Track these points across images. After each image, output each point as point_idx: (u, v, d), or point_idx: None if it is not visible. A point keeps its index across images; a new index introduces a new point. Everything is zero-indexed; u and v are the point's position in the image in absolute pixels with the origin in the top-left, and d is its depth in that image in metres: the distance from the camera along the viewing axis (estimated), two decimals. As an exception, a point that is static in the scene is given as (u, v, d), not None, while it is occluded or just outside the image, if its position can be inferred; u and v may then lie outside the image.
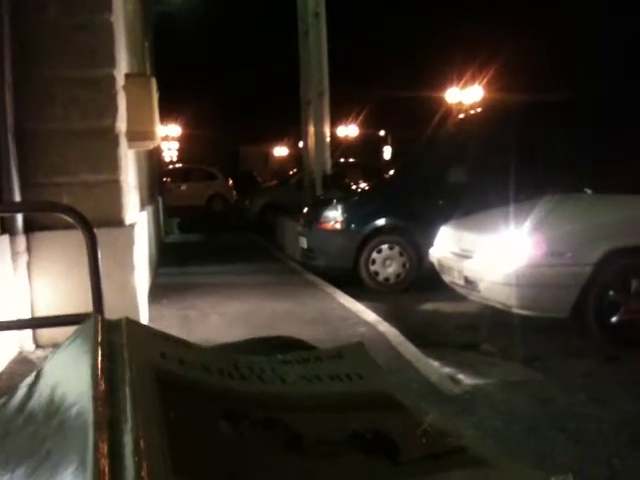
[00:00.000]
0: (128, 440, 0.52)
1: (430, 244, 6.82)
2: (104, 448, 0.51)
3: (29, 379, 0.67)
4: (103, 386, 0.57)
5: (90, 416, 0.54)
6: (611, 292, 5.21)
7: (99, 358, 0.61)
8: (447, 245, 6.37)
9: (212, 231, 17.05)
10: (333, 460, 0.59)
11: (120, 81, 5.09)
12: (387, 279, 8.20)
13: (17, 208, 4.03)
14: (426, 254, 7.12)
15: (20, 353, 4.64)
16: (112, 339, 0.64)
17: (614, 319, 5.20)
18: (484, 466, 0.60)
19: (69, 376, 0.62)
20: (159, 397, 0.58)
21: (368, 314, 6.12)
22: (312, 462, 0.58)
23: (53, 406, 0.60)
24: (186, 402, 0.60)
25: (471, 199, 7.05)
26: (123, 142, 5.12)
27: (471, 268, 5.74)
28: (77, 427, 0.55)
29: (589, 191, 6.21)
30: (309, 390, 0.70)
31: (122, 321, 0.67)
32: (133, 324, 0.68)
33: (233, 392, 0.65)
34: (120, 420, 0.54)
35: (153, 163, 12.41)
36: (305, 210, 9.77)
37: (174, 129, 34.92)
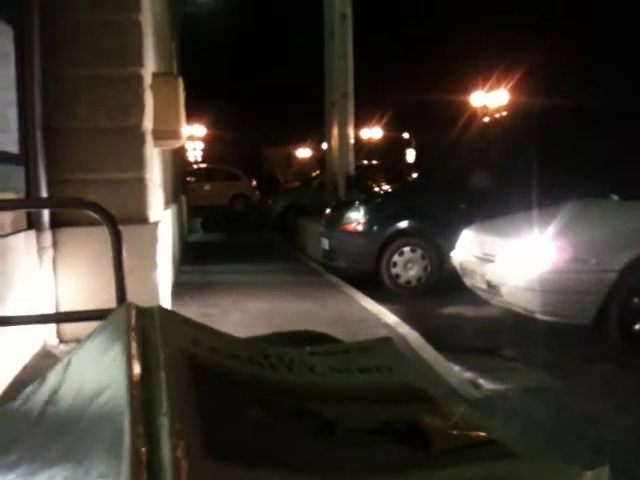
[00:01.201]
0: (164, 422, 0.53)
1: (452, 247, 6.80)
2: (140, 429, 0.52)
3: (62, 363, 0.69)
4: (138, 369, 0.58)
5: (125, 398, 0.55)
6: (635, 299, 5.16)
7: (133, 342, 0.62)
8: (469, 249, 6.34)
9: (234, 231, 17.12)
10: (364, 449, 0.59)
11: (147, 80, 5.13)
12: (408, 282, 8.18)
13: (44, 204, 4.06)
14: (448, 257, 7.09)
15: (43, 347, 4.69)
16: (145, 325, 0.65)
17: (637, 327, 5.14)
18: (516, 459, 0.60)
19: (103, 359, 0.63)
20: (192, 381, 0.59)
21: (388, 316, 6.11)
22: (344, 450, 0.59)
23: (87, 389, 0.61)
24: (217, 388, 0.61)
25: (494, 203, 7.02)
26: (149, 141, 5.16)
27: (494, 272, 5.71)
28: (111, 409, 0.56)
29: (615, 197, 6.15)
30: (338, 381, 0.71)
31: (154, 308, 0.69)
32: (165, 312, 0.69)
33: (263, 380, 0.66)
34: (155, 402, 0.55)
35: (178, 162, 12.50)
36: (327, 211, 9.78)
37: (199, 129, 35.09)
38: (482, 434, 0.64)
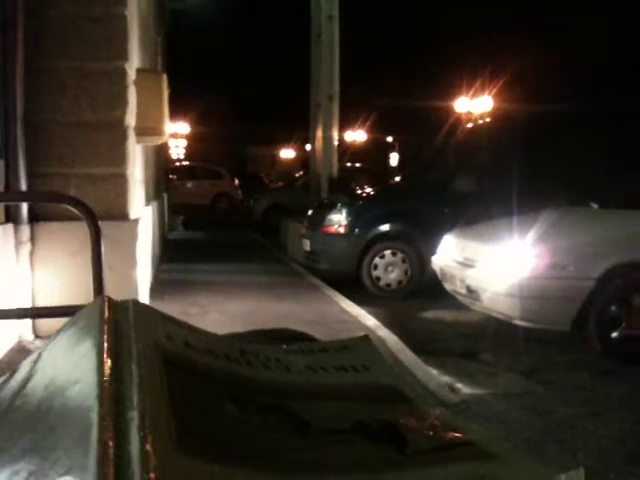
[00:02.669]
0: (134, 416, 0.51)
1: (433, 252, 6.82)
2: (109, 422, 0.50)
3: (33, 356, 0.67)
4: (109, 363, 0.57)
5: (95, 392, 0.54)
6: (613, 307, 5.20)
7: (105, 336, 0.60)
8: (450, 253, 6.36)
9: (216, 230, 17.07)
10: (339, 448, 0.58)
11: (131, 75, 5.10)
12: (388, 285, 8.19)
13: (23, 197, 4.03)
14: (429, 261, 7.11)
15: (19, 342, 4.64)
16: (118, 318, 0.64)
17: (615, 334, 5.18)
18: (493, 460, 0.60)
19: (74, 353, 0.62)
20: (165, 377, 0.58)
21: (368, 319, 6.11)
22: (318, 448, 0.58)
23: (57, 383, 0.60)
24: (191, 384, 0.60)
25: (476, 208, 7.05)
26: (131, 136, 5.13)
27: (473, 277, 5.73)
28: (81, 403, 0.54)
29: (594, 205, 6.20)
30: (314, 380, 0.70)
31: (129, 302, 0.67)
32: (140, 305, 0.68)
33: (239, 377, 0.65)
34: (126, 396, 0.53)
35: (160, 159, 12.44)
36: (310, 213, 9.77)
37: (182, 127, 34.96)
38: (458, 435, 0.64)
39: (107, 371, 0.56)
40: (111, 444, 0.49)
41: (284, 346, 0.78)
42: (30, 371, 0.66)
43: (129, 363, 0.57)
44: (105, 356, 0.58)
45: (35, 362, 0.66)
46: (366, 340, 0.82)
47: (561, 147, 7.92)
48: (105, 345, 0.59)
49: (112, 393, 0.54)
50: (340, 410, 0.65)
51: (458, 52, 26.11)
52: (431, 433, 0.64)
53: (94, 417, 0.51)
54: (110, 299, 0.67)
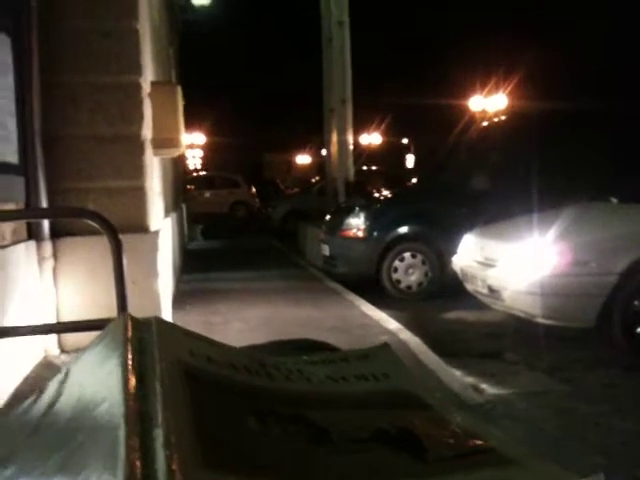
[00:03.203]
0: (159, 434, 0.52)
1: (453, 252, 6.80)
2: (135, 441, 0.51)
3: (60, 375, 0.69)
4: (133, 381, 0.58)
5: (121, 410, 0.55)
6: (637, 302, 5.15)
7: (129, 354, 0.62)
8: (470, 253, 6.34)
9: (235, 238, 17.13)
10: (359, 456, 0.59)
11: (146, 88, 5.13)
12: (409, 287, 8.17)
13: (44, 214, 4.07)
14: (449, 262, 7.09)
15: (45, 357, 4.68)
16: (142, 336, 0.65)
17: (639, 329, 5.14)
18: (514, 466, 0.60)
19: (100, 371, 0.63)
20: (188, 393, 0.59)
21: (390, 322, 6.10)
22: (339, 457, 0.58)
23: (84, 401, 0.61)
24: (214, 398, 0.61)
25: (495, 207, 7.02)
26: (149, 149, 5.16)
27: (495, 277, 5.71)
28: (108, 421, 0.56)
29: (614, 200, 6.15)
30: (335, 389, 0.71)
31: (152, 320, 0.69)
32: (162, 323, 0.69)
33: (260, 389, 0.66)
34: (151, 414, 0.54)
35: (177, 170, 12.51)
36: (327, 217, 9.78)
37: (198, 137, 35.15)
38: (479, 441, 0.64)
39: (132, 390, 0.57)
40: (138, 464, 0.50)
41: (305, 357, 0.79)
42: (58, 390, 0.67)
43: (153, 381, 0.58)
44: (130, 374, 0.59)
45: (63, 381, 0.68)
46: (386, 348, 0.82)
47: (578, 142, 7.86)
48: (129, 363, 0.60)
49: (138, 411, 0.55)
50: (360, 419, 0.65)
51: (472, 50, 26.05)
52: (451, 440, 0.64)
53: (121, 436, 0.52)
54: (132, 317, 0.68)
